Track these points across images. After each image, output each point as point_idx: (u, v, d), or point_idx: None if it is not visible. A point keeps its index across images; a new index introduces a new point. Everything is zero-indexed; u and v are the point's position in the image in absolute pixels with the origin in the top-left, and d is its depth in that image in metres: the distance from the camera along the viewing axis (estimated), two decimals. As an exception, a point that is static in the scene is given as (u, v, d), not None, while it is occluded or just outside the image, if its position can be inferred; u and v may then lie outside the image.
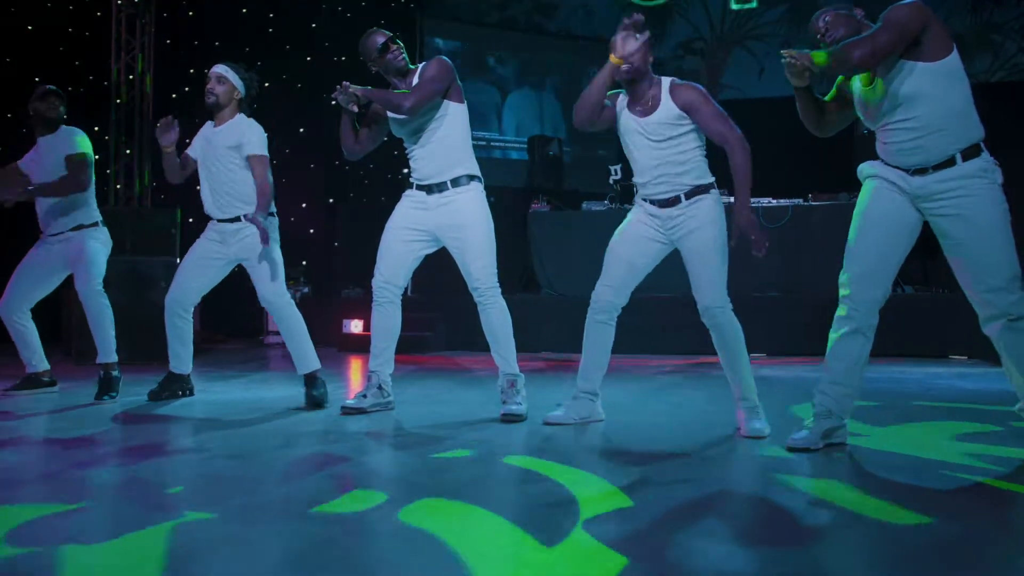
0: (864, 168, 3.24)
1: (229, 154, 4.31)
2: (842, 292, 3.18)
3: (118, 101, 9.14)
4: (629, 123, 3.62)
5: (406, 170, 4.22)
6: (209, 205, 4.42)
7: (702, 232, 3.53)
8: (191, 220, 8.79)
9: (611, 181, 8.16)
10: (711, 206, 3.56)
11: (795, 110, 3.27)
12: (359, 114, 4.05)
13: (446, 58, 3.99)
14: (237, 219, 4.36)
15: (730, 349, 3.56)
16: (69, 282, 4.87)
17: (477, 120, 7.72)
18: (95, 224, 4.82)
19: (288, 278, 4.50)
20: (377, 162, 9.99)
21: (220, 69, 4.38)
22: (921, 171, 3.04)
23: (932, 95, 2.97)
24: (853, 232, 3.18)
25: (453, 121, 3.98)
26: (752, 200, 3.46)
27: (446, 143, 3.98)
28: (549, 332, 6.96)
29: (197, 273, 4.45)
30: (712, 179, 3.61)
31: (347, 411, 4.09)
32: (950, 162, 2.99)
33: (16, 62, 9.07)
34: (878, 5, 3.02)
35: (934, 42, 2.95)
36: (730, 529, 2.29)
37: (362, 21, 9.82)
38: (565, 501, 2.51)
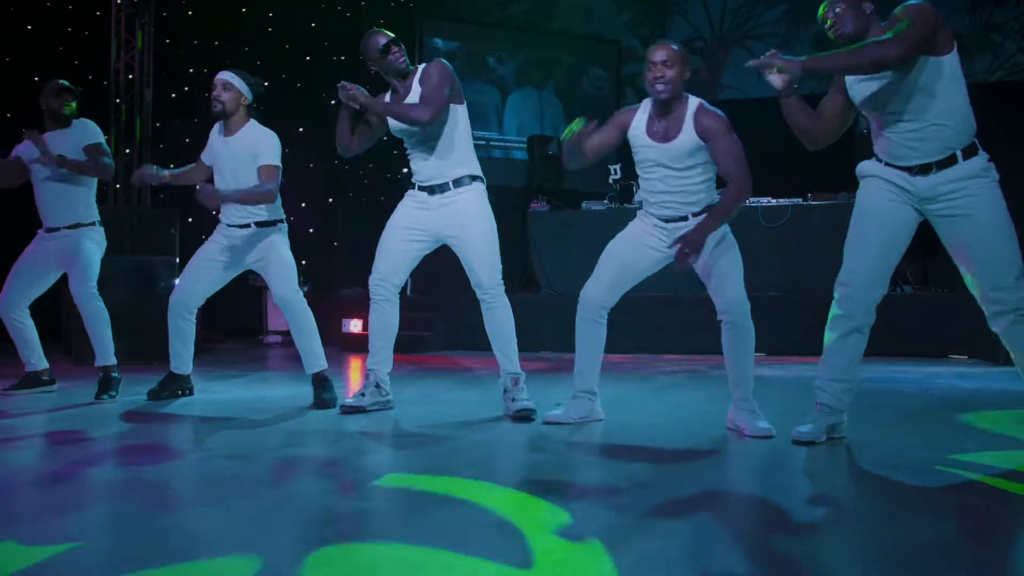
0: (863, 167, 3.26)
1: (248, 164, 4.28)
2: (841, 291, 3.19)
3: (118, 101, 9.13)
4: (646, 143, 3.59)
5: (406, 169, 4.22)
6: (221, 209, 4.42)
7: (715, 250, 3.51)
8: (190, 220, 8.81)
9: (611, 181, 8.14)
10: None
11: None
12: (358, 112, 4.04)
13: (444, 61, 3.97)
14: (248, 225, 4.36)
15: (742, 349, 3.56)
16: (67, 281, 4.86)
17: (477, 120, 7.71)
18: (92, 224, 4.81)
19: (288, 278, 4.49)
20: (376, 161, 9.99)
21: (226, 76, 4.33)
22: (924, 170, 3.05)
23: (939, 89, 3.00)
24: (851, 232, 3.21)
25: (454, 122, 3.97)
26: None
27: (447, 144, 3.97)
28: (549, 332, 6.95)
29: (202, 275, 4.45)
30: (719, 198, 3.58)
31: (347, 410, 4.09)
32: (951, 160, 3.02)
33: (16, 62, 9.07)
34: (884, 4, 3.05)
35: (943, 38, 2.98)
36: (730, 528, 2.29)
37: (362, 21, 9.84)
38: (562, 499, 2.51)
